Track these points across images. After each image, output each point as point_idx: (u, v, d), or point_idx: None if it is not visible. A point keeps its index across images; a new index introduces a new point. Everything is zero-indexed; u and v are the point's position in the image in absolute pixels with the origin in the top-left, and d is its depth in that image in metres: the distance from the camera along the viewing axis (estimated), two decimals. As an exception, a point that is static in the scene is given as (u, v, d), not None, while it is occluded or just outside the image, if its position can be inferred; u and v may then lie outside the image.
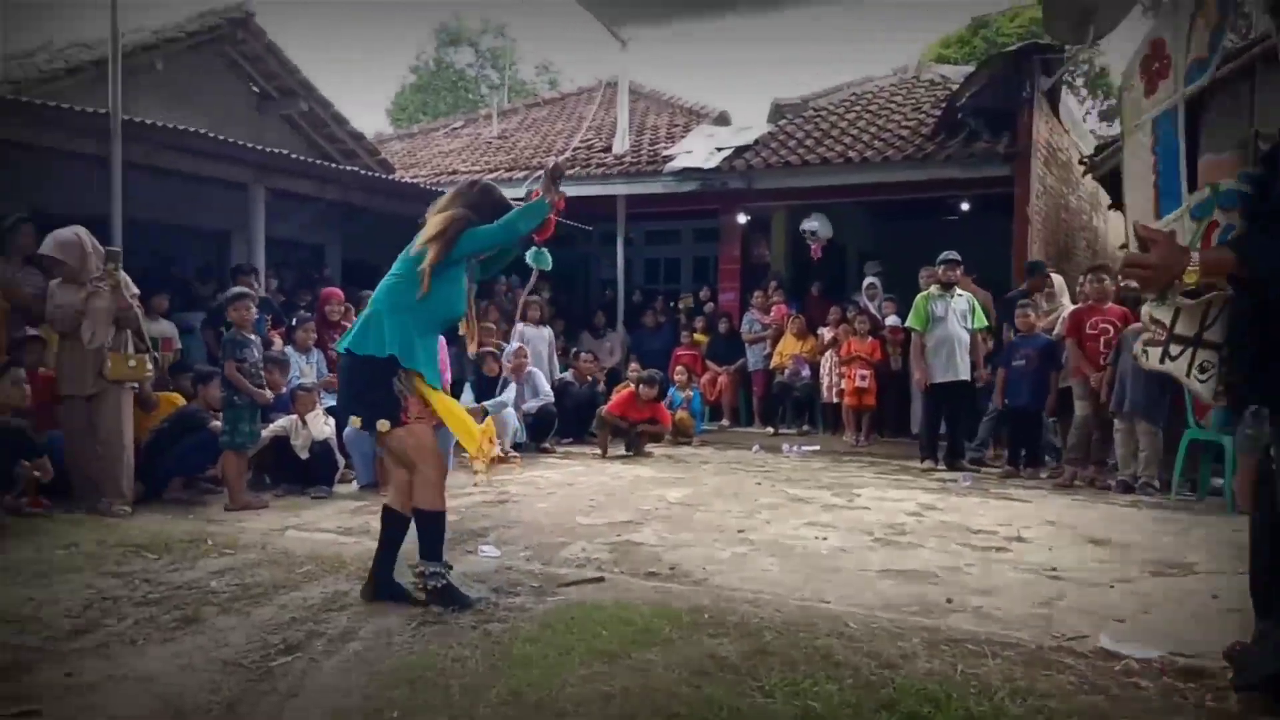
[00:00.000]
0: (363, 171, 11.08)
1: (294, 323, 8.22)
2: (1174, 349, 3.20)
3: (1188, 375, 3.20)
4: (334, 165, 11.04)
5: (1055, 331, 7.99)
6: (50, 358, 6.14)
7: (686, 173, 11.76)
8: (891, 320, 10.23)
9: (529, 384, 9.29)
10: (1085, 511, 6.20)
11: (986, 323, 8.55)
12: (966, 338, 8.22)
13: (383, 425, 3.67)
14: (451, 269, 3.81)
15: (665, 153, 12.43)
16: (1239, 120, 7.09)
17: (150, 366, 6.12)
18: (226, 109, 11.14)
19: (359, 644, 3.27)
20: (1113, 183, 10.41)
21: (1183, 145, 3.63)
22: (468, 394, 8.58)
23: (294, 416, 6.69)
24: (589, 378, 10.49)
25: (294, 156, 9.61)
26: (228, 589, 3.96)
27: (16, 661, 3.07)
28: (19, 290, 6.54)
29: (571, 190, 12.92)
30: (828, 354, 10.41)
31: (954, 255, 8.39)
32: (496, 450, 4.06)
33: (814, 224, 11.69)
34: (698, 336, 11.90)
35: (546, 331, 10.63)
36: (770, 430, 10.80)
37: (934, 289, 8.41)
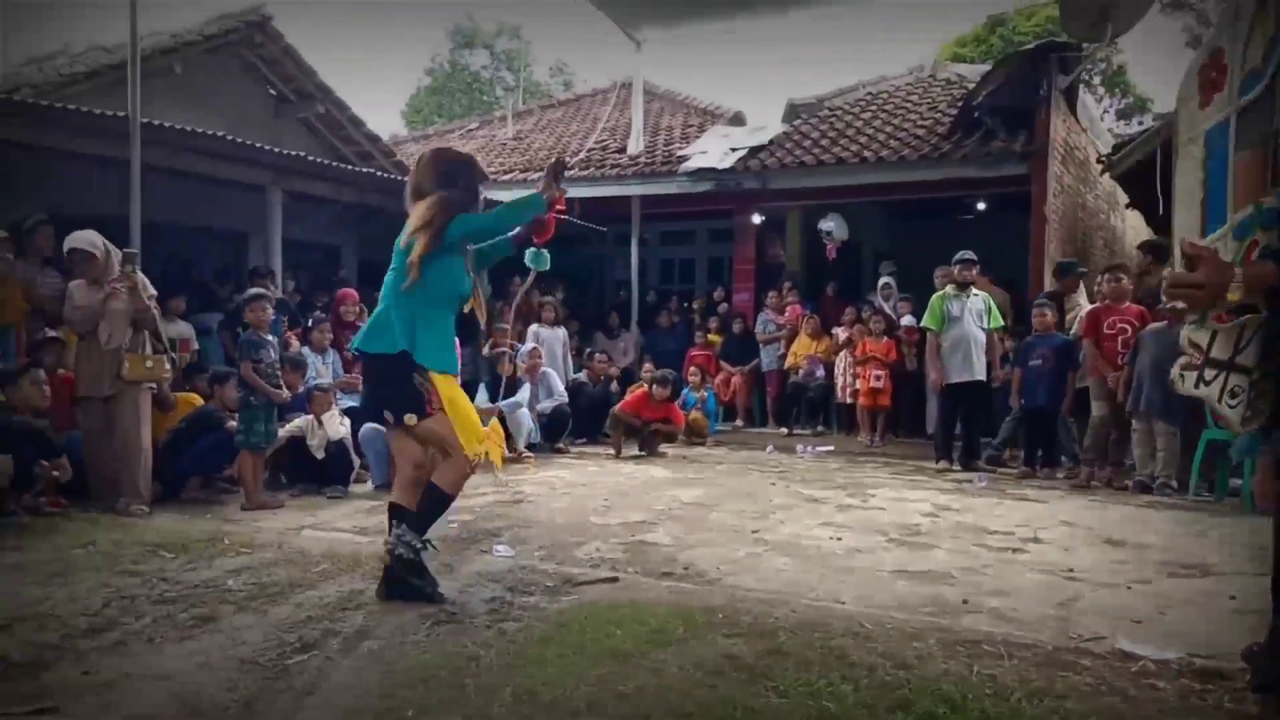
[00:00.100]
0: (379, 173, 11.13)
1: (310, 324, 8.27)
2: (1209, 373, 3.13)
3: (1219, 401, 3.14)
4: (350, 167, 11.10)
5: (1072, 331, 7.94)
6: (69, 359, 6.20)
7: (701, 173, 11.75)
8: (907, 320, 10.19)
9: (543, 384, 9.31)
10: (1102, 512, 6.16)
11: (1003, 322, 8.50)
12: (983, 338, 8.17)
13: (410, 419, 3.70)
14: (444, 256, 3.76)
15: (680, 153, 12.42)
16: (1260, 117, 7.03)
17: (168, 367, 6.17)
18: (244, 112, 11.22)
19: (374, 642, 3.29)
20: (1130, 182, 10.35)
21: (1232, 160, 3.54)
22: (482, 394, 8.60)
23: (310, 417, 6.72)
24: (602, 377, 10.51)
25: (311, 159, 9.67)
26: (244, 588, 3.98)
27: (35, 659, 3.10)
28: (38, 292, 6.61)
29: (586, 191, 13.05)
30: (843, 354, 10.38)
31: (970, 255, 8.34)
32: (505, 451, 4.05)
33: (830, 224, 11.67)
34: (712, 337, 11.90)
35: (561, 332, 10.64)
36: (784, 431, 10.77)
37: (950, 289, 8.37)
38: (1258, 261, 2.83)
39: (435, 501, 3.79)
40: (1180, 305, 3.05)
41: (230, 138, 8.51)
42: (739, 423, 11.48)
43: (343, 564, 4.38)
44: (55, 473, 5.50)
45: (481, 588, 4.01)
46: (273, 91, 11.94)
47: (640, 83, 13.47)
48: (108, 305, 5.79)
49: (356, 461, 7.00)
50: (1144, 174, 9.14)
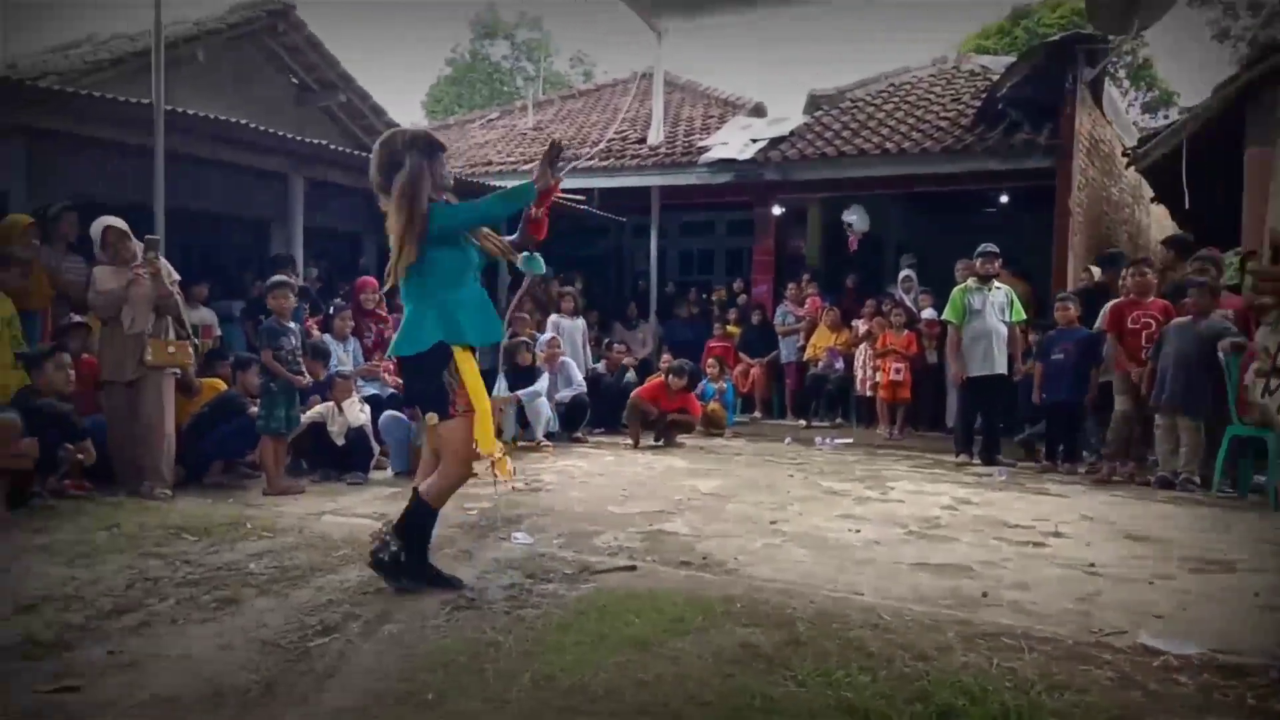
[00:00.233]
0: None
1: (331, 311, 8.30)
2: (1273, 382, 3.04)
3: (1277, 413, 3.05)
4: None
5: (1095, 325, 7.88)
6: (94, 344, 6.26)
7: (721, 164, 11.72)
8: (928, 313, 10.15)
9: (562, 374, 9.33)
10: (1124, 507, 6.11)
11: (1025, 316, 8.44)
12: (1004, 331, 8.11)
13: (431, 419, 3.69)
14: (440, 248, 3.69)
15: (700, 144, 12.39)
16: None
17: (191, 353, 6.22)
18: (266, 100, 11.27)
19: (394, 627, 3.30)
20: (1155, 175, 10.26)
21: None
22: (501, 384, 8.62)
23: (330, 403, 6.76)
24: (619, 365, 10.52)
25: (333, 147, 9.69)
26: (266, 571, 4.01)
27: (60, 638, 3.13)
28: (63, 277, 6.67)
29: (606, 182, 13.07)
30: (863, 346, 10.35)
31: (992, 248, 8.27)
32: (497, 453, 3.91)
33: (853, 216, 11.62)
34: (730, 328, 11.89)
35: (581, 322, 10.65)
36: (803, 423, 10.75)
37: (971, 282, 8.31)
38: None
39: (419, 512, 3.77)
40: (1268, 300, 2.95)
41: (253, 126, 8.53)
42: (757, 414, 11.48)
43: (363, 549, 4.35)
44: (79, 456, 5.54)
45: (500, 574, 4.02)
46: (295, 80, 11.99)
47: (661, 73, 13.44)
48: (131, 290, 5.84)
49: (377, 448, 7.04)
50: (1170, 168, 9.06)
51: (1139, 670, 3.00)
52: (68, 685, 2.74)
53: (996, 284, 8.26)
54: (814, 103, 13.30)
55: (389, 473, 6.98)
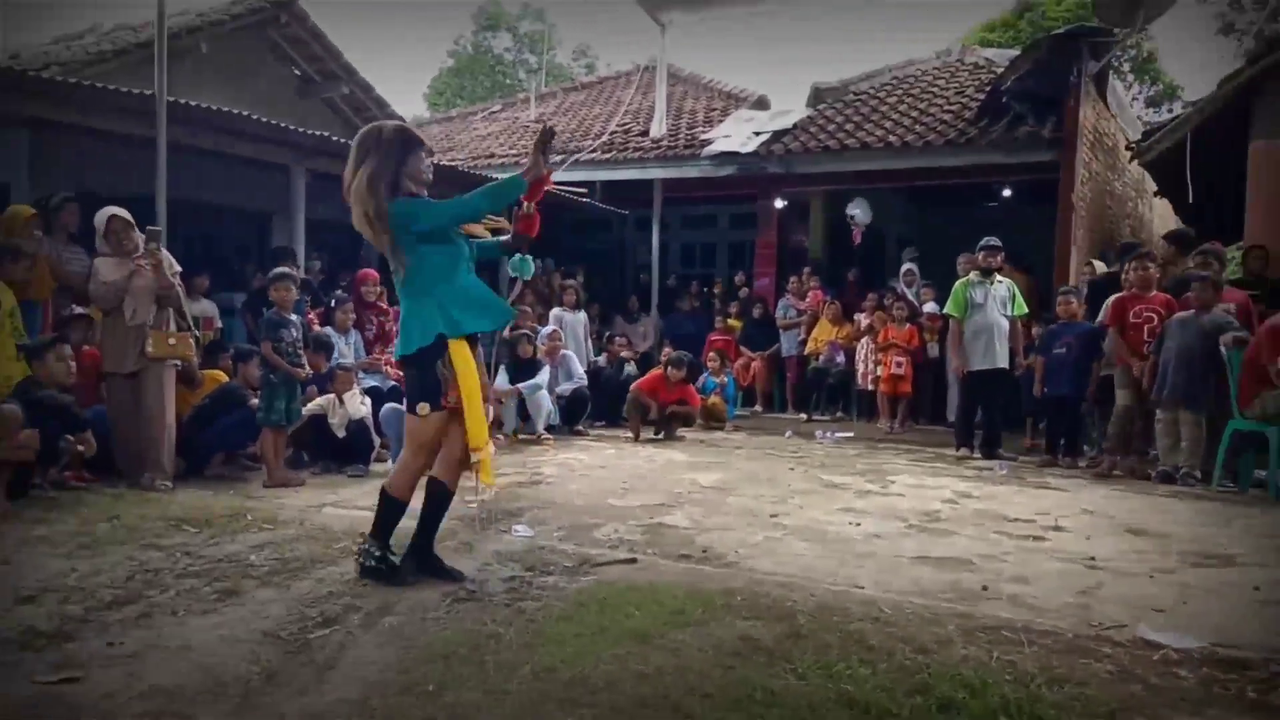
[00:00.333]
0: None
1: (332, 304, 8.30)
2: None
3: None
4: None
5: (1097, 319, 7.87)
6: (95, 335, 6.26)
7: (724, 157, 11.70)
8: (930, 307, 10.13)
9: (563, 367, 9.33)
10: (1124, 501, 6.11)
11: (1027, 310, 8.43)
12: (1006, 325, 8.10)
13: (423, 409, 3.67)
14: (429, 243, 3.66)
15: (703, 137, 12.37)
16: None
17: (193, 345, 6.22)
18: (269, 92, 11.26)
19: (395, 619, 3.31)
20: (1159, 169, 10.24)
21: None
22: (502, 376, 8.63)
23: (331, 396, 6.76)
24: (618, 357, 10.52)
25: (335, 139, 9.68)
26: (267, 563, 4.02)
27: (61, 629, 3.14)
28: (64, 268, 6.67)
29: (608, 174, 13.04)
30: (864, 340, 10.33)
31: (995, 241, 8.26)
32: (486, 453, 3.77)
33: (856, 209, 11.61)
34: (732, 322, 11.88)
35: (583, 316, 10.65)
36: (804, 416, 10.75)
37: (973, 275, 8.29)
38: None
39: (387, 506, 3.81)
40: None
41: (255, 117, 8.53)
42: (758, 408, 11.47)
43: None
44: (80, 448, 5.54)
45: (501, 567, 4.03)
46: (297, 72, 11.98)
47: (664, 65, 13.42)
48: (132, 282, 5.84)
49: (377, 441, 7.05)
50: (1174, 162, 9.04)
51: (1139, 664, 3.00)
52: (68, 676, 2.75)
53: (998, 278, 8.25)
54: (817, 96, 13.26)
55: (389, 465, 6.98)
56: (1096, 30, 9.91)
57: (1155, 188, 11.69)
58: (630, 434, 9.02)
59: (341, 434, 6.71)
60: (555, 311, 10.33)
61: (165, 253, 6.05)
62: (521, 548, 4.42)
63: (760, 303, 11.71)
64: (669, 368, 9.17)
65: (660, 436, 9.06)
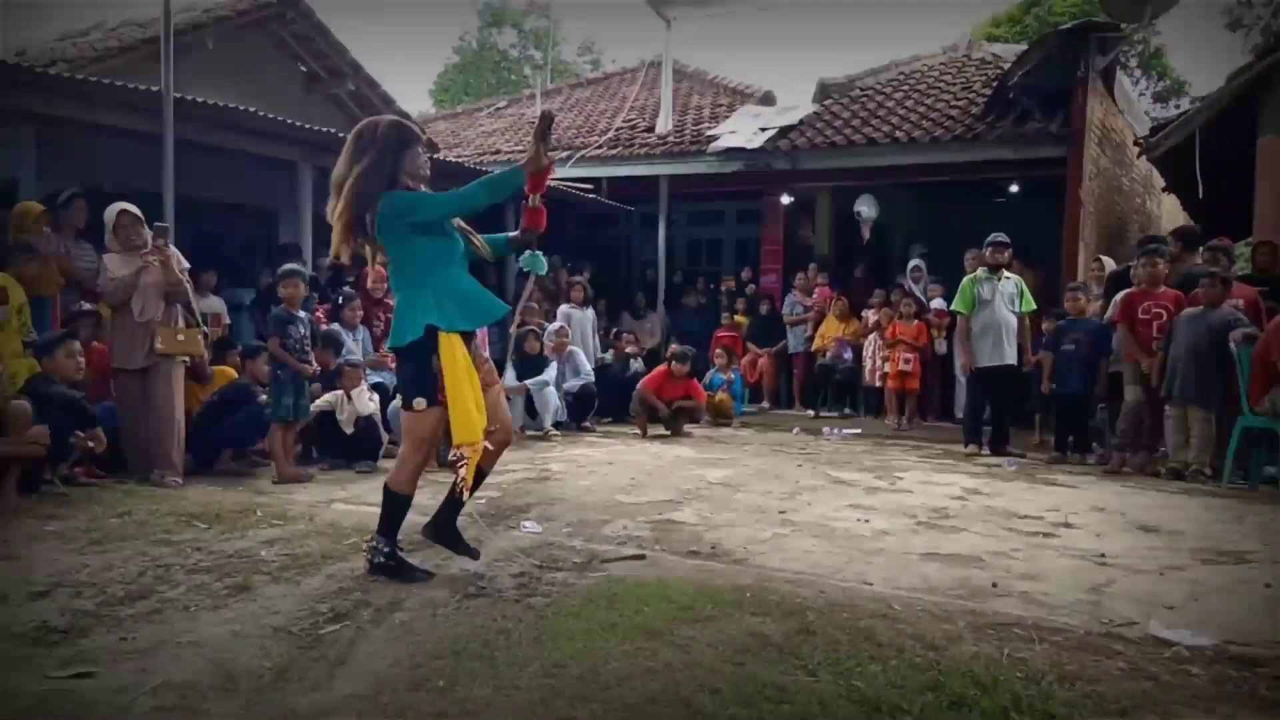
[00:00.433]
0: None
1: (340, 300, 8.31)
2: None
3: None
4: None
5: (1106, 315, 7.85)
6: (104, 332, 6.27)
7: (730, 153, 11.68)
8: (937, 303, 10.12)
9: (570, 363, 9.33)
10: (1134, 498, 6.09)
11: (1035, 306, 8.40)
12: (1014, 321, 8.08)
13: (419, 404, 3.64)
14: (423, 235, 3.63)
15: (709, 133, 12.35)
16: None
17: (202, 341, 6.23)
18: (275, 88, 11.24)
19: (405, 614, 3.31)
20: (1167, 165, 10.19)
21: None
22: (510, 373, 8.63)
23: (340, 392, 6.77)
24: (624, 353, 10.52)
25: (341, 136, 9.65)
26: (277, 558, 4.02)
27: (73, 625, 3.15)
28: (72, 265, 6.68)
29: (614, 171, 13.02)
30: (871, 337, 10.32)
31: (1003, 237, 8.24)
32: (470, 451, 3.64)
33: (863, 206, 11.59)
34: (738, 318, 11.87)
35: (590, 313, 10.65)
36: (811, 413, 10.74)
37: (981, 271, 8.27)
38: None
39: (391, 502, 3.79)
40: None
41: (261, 114, 8.52)
42: (765, 404, 11.47)
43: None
44: (90, 444, 5.55)
45: (510, 563, 4.03)
46: (303, 68, 11.96)
47: (669, 61, 13.39)
48: (141, 278, 5.85)
49: (385, 437, 7.05)
50: (1182, 157, 9.00)
51: (1150, 661, 2.99)
52: (80, 671, 2.75)
53: (1006, 274, 8.23)
54: (824, 91, 13.23)
55: (398, 461, 6.98)
56: (1104, 25, 9.88)
57: (1164, 183, 11.65)
58: (637, 430, 9.02)
59: (350, 430, 6.72)
60: (563, 308, 10.33)
61: (173, 249, 6.06)
62: (530, 543, 4.42)
63: (767, 299, 11.70)
64: (673, 363, 9.18)
65: (668, 433, 9.06)
